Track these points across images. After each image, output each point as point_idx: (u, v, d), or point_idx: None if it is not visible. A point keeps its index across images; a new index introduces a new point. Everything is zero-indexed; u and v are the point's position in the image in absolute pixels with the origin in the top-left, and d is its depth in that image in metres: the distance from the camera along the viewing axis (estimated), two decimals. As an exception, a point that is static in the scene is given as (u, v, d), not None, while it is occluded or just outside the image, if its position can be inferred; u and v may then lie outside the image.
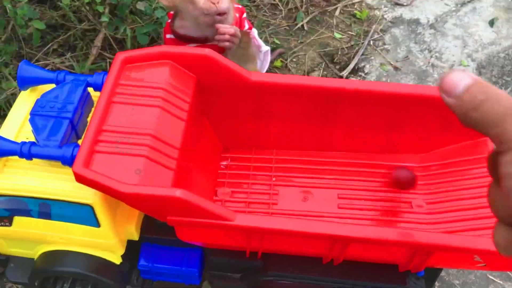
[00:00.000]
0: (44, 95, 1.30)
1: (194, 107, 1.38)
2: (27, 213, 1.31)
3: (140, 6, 2.29)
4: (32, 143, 1.23)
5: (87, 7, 2.33)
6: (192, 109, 1.36)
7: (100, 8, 2.25)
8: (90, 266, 1.38)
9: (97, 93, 1.34)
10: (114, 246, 1.36)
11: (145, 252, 1.45)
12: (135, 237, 1.39)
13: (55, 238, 1.36)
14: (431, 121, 1.47)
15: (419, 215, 1.42)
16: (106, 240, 1.34)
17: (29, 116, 1.28)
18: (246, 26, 1.81)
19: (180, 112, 1.32)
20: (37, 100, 1.29)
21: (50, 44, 2.34)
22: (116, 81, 1.30)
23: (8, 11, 2.12)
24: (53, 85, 1.37)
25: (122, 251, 1.39)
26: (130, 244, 1.41)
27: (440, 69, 2.40)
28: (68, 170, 1.23)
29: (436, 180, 1.47)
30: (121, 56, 1.34)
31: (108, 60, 2.31)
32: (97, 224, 1.29)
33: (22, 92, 1.43)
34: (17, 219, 1.33)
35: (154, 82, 1.32)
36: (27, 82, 1.39)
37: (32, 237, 1.37)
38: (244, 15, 1.82)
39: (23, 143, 1.23)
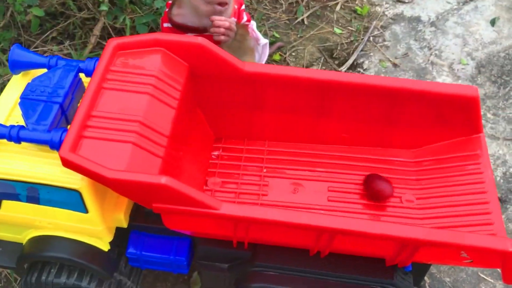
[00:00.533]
0: (35, 79, 1.29)
1: (185, 95, 1.37)
2: (15, 197, 1.31)
3: (140, -5, 2.29)
4: (21, 127, 1.23)
5: (87, -4, 2.32)
6: (183, 98, 1.35)
7: (100, -3, 2.24)
8: (78, 252, 1.38)
9: (89, 79, 1.34)
10: (102, 233, 1.36)
11: (134, 239, 1.45)
12: (124, 224, 1.39)
13: (44, 223, 1.36)
14: (425, 116, 1.46)
15: (409, 210, 1.41)
16: (94, 227, 1.33)
17: (19, 100, 1.28)
18: (245, 18, 1.80)
19: (171, 100, 1.31)
20: (28, 84, 1.29)
21: (49, 32, 2.34)
22: (107, 67, 1.29)
23: (7, -3, 2.12)
24: (45, 70, 1.37)
25: (110, 238, 1.39)
26: (119, 231, 1.41)
27: (440, 67, 2.38)
28: (56, 155, 1.22)
29: (427, 176, 1.46)
30: (113, 42, 1.33)
31: (106, 49, 2.31)
32: (85, 210, 1.29)
33: (14, 76, 1.43)
34: (5, 203, 1.33)
35: (146, 69, 1.32)
36: (19, 66, 1.39)
37: (21, 222, 1.37)
38: (243, 6, 1.80)
39: (12, 126, 1.23)
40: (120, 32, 2.35)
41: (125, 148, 1.18)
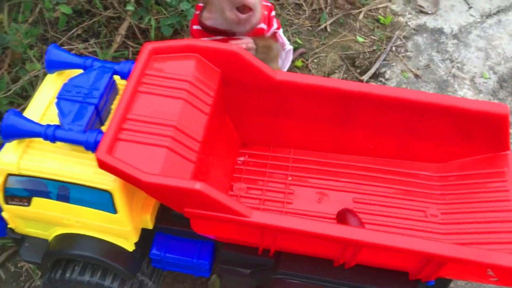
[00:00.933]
0: (71, 80, 1.31)
1: (217, 101, 1.39)
2: (46, 194, 1.33)
3: (166, -3, 2.30)
4: (57, 126, 1.24)
5: (114, -5, 2.34)
6: (215, 104, 1.37)
7: (126, -3, 2.26)
8: (103, 251, 1.39)
9: (123, 81, 1.36)
10: (129, 233, 1.37)
11: (158, 241, 1.46)
12: (150, 225, 1.40)
13: (72, 222, 1.38)
14: (450, 131, 1.47)
15: (433, 225, 1.42)
16: (121, 227, 1.35)
17: (54, 100, 1.29)
18: (275, 26, 1.79)
19: (204, 105, 1.33)
20: (64, 84, 1.31)
21: (75, 29, 2.36)
22: (143, 71, 1.31)
23: (37, -6, 2.15)
24: (80, 70, 1.39)
25: (136, 238, 1.40)
26: (143, 232, 1.43)
27: (461, 80, 2.39)
28: (89, 155, 1.25)
29: (452, 191, 1.47)
30: (148, 46, 1.35)
31: (131, 48, 2.33)
32: (114, 211, 1.31)
33: (48, 75, 1.44)
34: (35, 200, 1.35)
35: (180, 74, 1.34)
36: (55, 66, 1.40)
37: (49, 219, 1.39)
38: (273, 13, 1.79)
39: (48, 125, 1.24)
40: (144, 32, 2.37)
41: (159, 152, 1.19)
